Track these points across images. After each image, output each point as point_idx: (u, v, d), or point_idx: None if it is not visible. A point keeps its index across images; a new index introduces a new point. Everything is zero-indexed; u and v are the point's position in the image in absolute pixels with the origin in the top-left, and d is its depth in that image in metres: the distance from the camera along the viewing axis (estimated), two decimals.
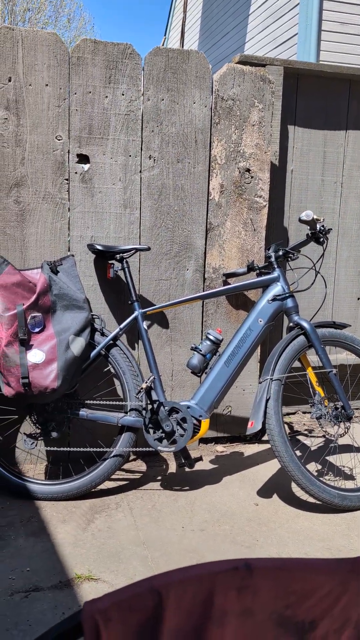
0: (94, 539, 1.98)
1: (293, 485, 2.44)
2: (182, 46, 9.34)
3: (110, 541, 1.97)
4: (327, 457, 2.71)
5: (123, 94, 2.42)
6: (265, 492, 2.39)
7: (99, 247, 2.36)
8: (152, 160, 2.51)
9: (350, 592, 0.68)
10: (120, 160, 2.46)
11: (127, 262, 2.38)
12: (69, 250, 2.45)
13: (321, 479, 2.25)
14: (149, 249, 2.38)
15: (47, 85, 2.32)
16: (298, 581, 0.67)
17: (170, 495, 2.32)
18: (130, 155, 2.47)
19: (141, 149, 2.49)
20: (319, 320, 2.79)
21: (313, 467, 2.60)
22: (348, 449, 2.78)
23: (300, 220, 2.38)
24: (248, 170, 2.66)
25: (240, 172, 2.65)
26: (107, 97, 2.40)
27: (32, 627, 1.54)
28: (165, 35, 11.31)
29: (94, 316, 2.33)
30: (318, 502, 2.23)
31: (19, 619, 1.57)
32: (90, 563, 1.84)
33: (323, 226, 2.43)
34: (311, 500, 2.31)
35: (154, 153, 2.51)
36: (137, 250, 2.37)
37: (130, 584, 0.63)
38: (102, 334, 2.31)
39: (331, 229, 2.54)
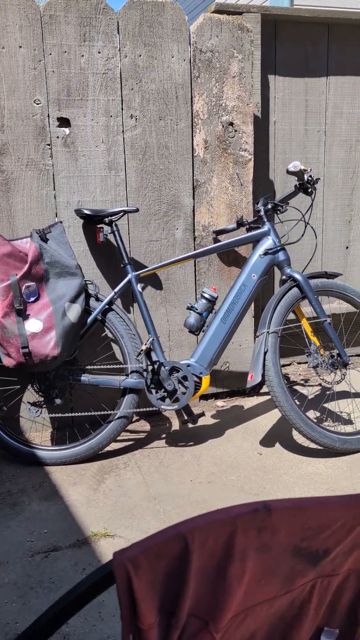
0: (106, 498, 2.04)
1: (294, 433, 2.50)
2: None
3: (122, 499, 2.03)
4: (325, 404, 2.77)
5: (99, 52, 2.35)
6: (267, 441, 2.45)
7: (87, 212, 2.33)
8: (133, 119, 2.46)
9: None
10: (102, 122, 2.41)
11: (116, 225, 2.36)
12: (56, 217, 2.42)
13: (321, 425, 2.30)
14: (137, 210, 2.36)
15: (20, 47, 2.25)
16: (314, 518, 0.70)
17: (176, 451, 2.38)
18: (111, 116, 2.42)
19: (122, 109, 2.43)
20: (311, 271, 2.81)
21: (312, 414, 2.66)
22: (345, 395, 2.84)
23: (288, 172, 2.36)
24: (231, 123, 2.62)
25: (223, 127, 2.61)
26: (83, 56, 2.33)
27: (56, 584, 1.60)
28: None
29: (88, 282, 2.32)
30: (320, 447, 2.29)
31: (42, 578, 1.63)
32: (105, 521, 1.90)
33: (311, 176, 2.42)
34: (313, 446, 2.37)
35: (135, 112, 2.45)
36: (125, 212, 2.35)
37: (156, 532, 0.65)
38: (97, 299, 2.32)
39: (319, 179, 2.52)
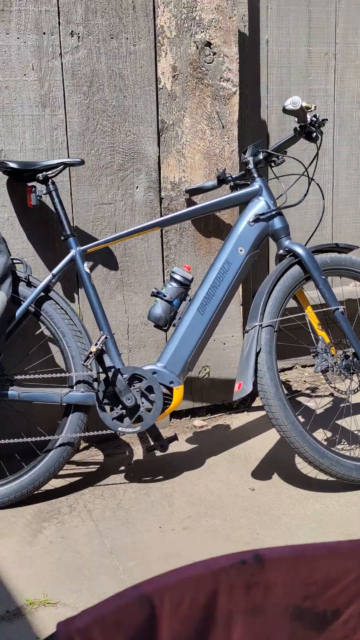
0: (45, 553, 2.06)
1: (297, 460, 2.56)
2: None
3: (67, 554, 2.05)
4: (338, 421, 2.83)
5: None
6: (262, 472, 2.50)
7: (13, 165, 2.33)
8: (75, 37, 2.46)
9: None
10: (31, 41, 2.40)
11: (53, 182, 2.36)
12: None
13: (333, 449, 2.36)
14: (82, 162, 2.37)
15: None
16: (320, 570, 0.74)
17: (139, 488, 2.41)
18: (44, 33, 2.42)
19: (59, 23, 2.43)
20: (317, 243, 2.85)
21: (321, 435, 2.71)
22: None
23: (285, 111, 2.40)
24: (208, 44, 2.64)
25: (198, 48, 2.63)
26: None
27: None
28: None
29: (16, 260, 2.33)
30: (331, 478, 2.35)
31: None
32: (44, 584, 1.92)
33: (315, 116, 2.46)
34: (321, 476, 2.42)
35: (77, 27, 2.45)
36: (65, 165, 2.35)
37: (114, 595, 0.68)
38: (29, 285, 2.32)
39: (326, 119, 2.56)
